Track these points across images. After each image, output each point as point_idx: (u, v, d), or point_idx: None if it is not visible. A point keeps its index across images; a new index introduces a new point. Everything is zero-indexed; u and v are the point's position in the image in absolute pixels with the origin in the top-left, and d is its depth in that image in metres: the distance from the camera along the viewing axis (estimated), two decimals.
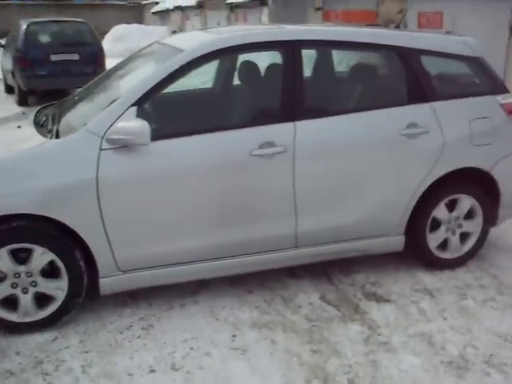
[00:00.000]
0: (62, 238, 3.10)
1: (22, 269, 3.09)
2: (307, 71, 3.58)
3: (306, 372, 2.90)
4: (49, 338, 3.17)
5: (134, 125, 3.02)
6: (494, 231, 4.32)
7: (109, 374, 2.88)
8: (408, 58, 3.66)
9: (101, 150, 3.08)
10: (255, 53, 3.73)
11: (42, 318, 3.19)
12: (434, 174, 3.65)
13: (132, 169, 3.13)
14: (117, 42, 18.41)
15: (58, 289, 3.17)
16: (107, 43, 18.09)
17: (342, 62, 4.14)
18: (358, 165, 3.52)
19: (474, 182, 3.87)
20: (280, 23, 3.98)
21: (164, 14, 24.57)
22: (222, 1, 15.97)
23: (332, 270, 3.92)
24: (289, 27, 3.66)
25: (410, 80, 3.69)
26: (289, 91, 3.41)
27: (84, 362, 2.97)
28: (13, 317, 3.15)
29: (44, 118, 3.68)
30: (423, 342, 3.14)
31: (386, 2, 9.01)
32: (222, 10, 16.41)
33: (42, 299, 3.18)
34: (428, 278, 3.84)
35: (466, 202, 3.84)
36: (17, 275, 3.09)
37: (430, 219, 3.79)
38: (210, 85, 4.50)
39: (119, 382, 2.82)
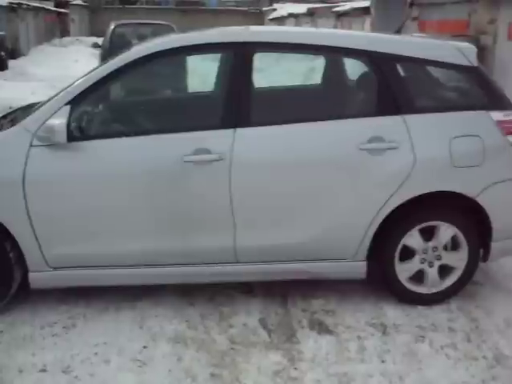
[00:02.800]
0: None
1: None
2: (261, 75, 3.35)
3: None
4: None
5: (53, 123, 3.01)
6: (500, 267, 3.77)
7: (2, 366, 2.88)
8: (380, 64, 3.28)
9: (31, 146, 3.11)
10: (204, 54, 3.57)
11: None
12: (400, 195, 3.24)
13: (59, 167, 3.13)
14: None
15: None
16: None
17: (305, 66, 3.83)
18: (308, 180, 3.22)
19: (457, 209, 3.38)
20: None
21: (280, 21, 24.87)
22: (330, 9, 15.79)
23: (293, 292, 3.63)
24: (250, 28, 3.45)
25: (380, 89, 3.31)
26: (232, 96, 3.22)
27: None
28: None
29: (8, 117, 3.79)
30: None
31: (478, 12, 8.25)
32: (331, 18, 16.20)
33: None
34: (393, 313, 3.42)
35: (445, 230, 3.37)
36: None
37: (398, 246, 3.37)
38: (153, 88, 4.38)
39: (6, 376, 2.82)
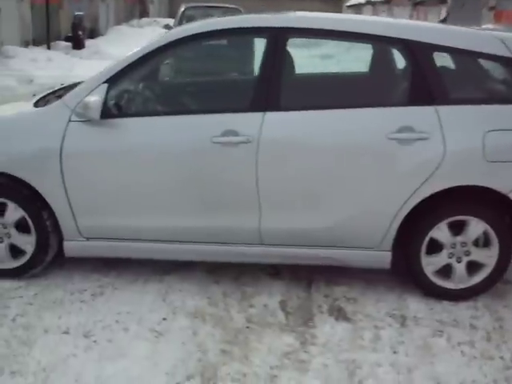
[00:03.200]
0: (32, 198, 3.36)
1: None
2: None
3: (195, 369, 2.78)
4: (14, 286, 3.47)
5: (89, 100, 3.15)
6: None
7: (30, 325, 3.08)
8: (416, 53, 3.21)
9: (69, 121, 3.27)
10: (239, 38, 3.60)
11: (12, 268, 3.51)
12: (428, 187, 3.17)
13: (93, 142, 3.28)
14: None
15: (28, 244, 3.46)
16: None
17: (338, 53, 3.77)
18: (334, 166, 3.21)
19: (489, 204, 3.28)
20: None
21: (357, 8, 24.39)
22: None
23: (318, 277, 3.65)
24: (286, 14, 3.45)
25: (414, 78, 3.24)
26: (263, 80, 3.24)
27: (21, 311, 3.21)
28: None
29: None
30: (343, 371, 2.80)
31: None
32: (407, 7, 15.78)
33: (14, 250, 3.50)
34: (415, 306, 3.38)
35: (475, 226, 3.28)
36: None
37: (425, 239, 3.31)
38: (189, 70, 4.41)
39: (32, 335, 3.00)
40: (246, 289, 3.53)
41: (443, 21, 8.42)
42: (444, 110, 3.15)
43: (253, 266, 3.65)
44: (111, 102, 3.27)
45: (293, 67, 3.34)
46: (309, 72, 3.59)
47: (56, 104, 3.36)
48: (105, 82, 3.25)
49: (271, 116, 3.19)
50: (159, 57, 3.36)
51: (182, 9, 11.56)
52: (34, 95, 3.92)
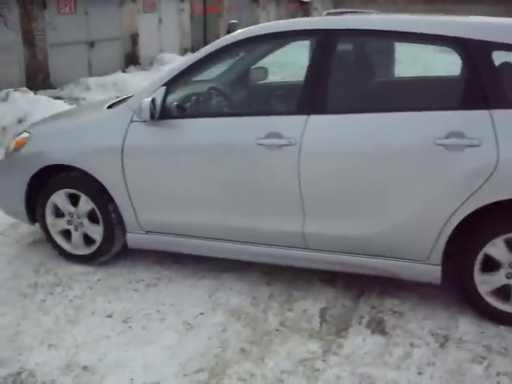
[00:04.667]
0: (100, 192, 3.68)
1: (72, 209, 3.80)
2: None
3: (208, 363, 2.85)
4: (84, 270, 3.82)
5: (142, 101, 3.37)
6: None
7: (82, 307, 3.38)
8: (471, 53, 2.95)
9: (131, 121, 3.53)
10: (288, 41, 3.56)
11: (86, 254, 3.86)
12: (479, 198, 2.90)
13: (148, 141, 3.50)
14: None
15: (97, 233, 3.78)
16: None
17: (387, 55, 3.54)
18: (378, 172, 3.07)
19: None
20: None
21: None
22: None
23: (373, 287, 3.51)
24: (335, 17, 3.36)
25: (468, 80, 2.98)
26: (309, 82, 3.21)
27: (80, 294, 3.52)
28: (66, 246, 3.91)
29: None
30: None
31: None
32: None
33: (87, 239, 3.85)
34: (466, 328, 3.10)
35: None
36: (71, 215, 3.82)
37: (479, 256, 3.03)
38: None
39: (79, 315, 3.29)
40: (293, 292, 3.51)
41: None
42: (499, 114, 2.86)
43: (309, 271, 3.59)
44: (169, 104, 3.46)
45: (341, 70, 3.24)
46: (356, 75, 3.44)
47: (122, 106, 3.65)
48: (163, 85, 3.45)
49: (315, 119, 3.15)
50: (213, 61, 3.47)
51: (324, 14, 11.61)
52: (117, 97, 4.27)
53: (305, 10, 28.41)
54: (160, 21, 15.82)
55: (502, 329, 3.07)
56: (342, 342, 3.01)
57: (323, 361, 2.86)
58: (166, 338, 3.06)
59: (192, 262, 3.84)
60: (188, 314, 3.29)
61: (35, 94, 8.62)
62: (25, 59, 10.51)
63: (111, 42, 13.63)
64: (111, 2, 13.39)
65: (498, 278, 3.04)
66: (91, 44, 12.72)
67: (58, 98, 9.69)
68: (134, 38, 14.67)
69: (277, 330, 3.14)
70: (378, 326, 3.14)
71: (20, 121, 7.35)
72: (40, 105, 7.70)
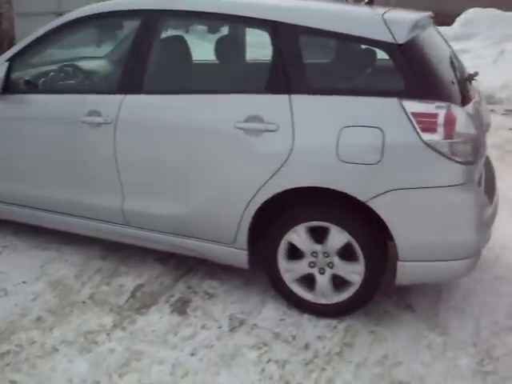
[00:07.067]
0: None
1: None
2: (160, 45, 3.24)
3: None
4: None
5: None
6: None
7: None
8: (279, 36, 2.90)
9: None
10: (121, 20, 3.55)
11: None
12: (275, 184, 2.88)
13: None
14: (465, 26, 17.07)
15: None
16: (456, 27, 17.11)
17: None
18: (184, 154, 3.07)
19: (352, 212, 2.87)
20: None
21: None
22: None
23: (200, 268, 3.51)
24: None
25: (273, 64, 2.92)
26: (127, 63, 3.22)
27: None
28: None
29: None
30: (119, 360, 2.71)
31: None
32: None
33: None
34: (267, 313, 3.11)
35: (337, 235, 2.90)
36: None
37: (281, 243, 3.02)
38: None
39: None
40: (121, 268, 3.54)
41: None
42: (298, 99, 2.82)
43: (145, 250, 3.55)
44: (15, 79, 3.50)
45: (158, 52, 3.22)
46: (172, 57, 3.42)
47: None
48: (7, 60, 3.48)
49: (130, 98, 3.16)
50: (50, 39, 3.49)
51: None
52: None
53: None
54: None
55: (305, 318, 3.06)
56: (137, 318, 3.04)
57: (107, 335, 2.89)
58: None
59: (44, 233, 3.86)
60: (10, 282, 3.34)
61: None
62: None
63: None
64: None
65: (301, 267, 3.03)
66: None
67: None
68: None
69: (83, 302, 3.17)
70: (181, 306, 3.15)
71: None
72: None
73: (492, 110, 8.47)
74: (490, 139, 6.48)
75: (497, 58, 9.58)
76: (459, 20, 17.14)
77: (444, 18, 18.32)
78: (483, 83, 9.19)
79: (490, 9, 16.92)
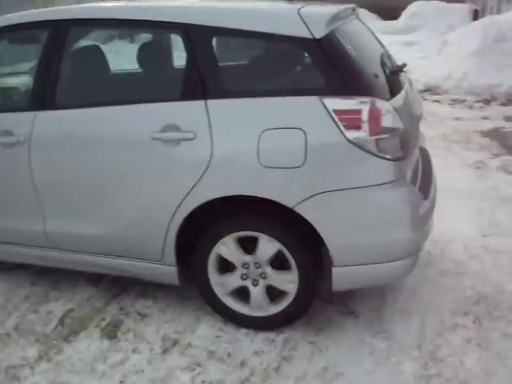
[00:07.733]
0: None
1: None
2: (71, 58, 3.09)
3: None
4: None
5: None
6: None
7: None
8: (192, 39, 2.74)
9: None
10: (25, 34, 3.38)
11: None
12: (197, 195, 2.72)
13: None
14: (411, 19, 17.31)
15: None
16: (403, 20, 17.34)
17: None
18: (103, 170, 2.89)
19: (281, 219, 2.74)
20: None
21: None
22: None
23: (134, 287, 3.35)
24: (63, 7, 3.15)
25: (188, 69, 2.77)
26: (36, 78, 3.03)
27: None
28: None
29: None
30: None
31: None
32: None
33: None
34: (202, 331, 2.96)
35: (267, 244, 2.77)
36: None
37: (211, 256, 2.87)
38: None
39: None
40: (51, 293, 3.35)
41: None
42: (214, 104, 2.68)
43: (77, 272, 3.38)
44: None
45: (69, 65, 3.05)
46: (87, 68, 3.24)
47: None
48: None
49: (43, 115, 2.98)
50: None
51: None
52: None
53: None
54: None
55: (243, 332, 2.93)
56: (64, 346, 2.87)
57: (31, 368, 2.72)
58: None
59: None
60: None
61: None
62: None
63: None
64: None
65: (234, 280, 2.90)
66: None
67: None
68: None
69: (7, 334, 2.98)
70: (112, 330, 2.99)
71: None
72: None
73: (437, 101, 8.61)
74: (437, 130, 6.71)
75: (441, 48, 9.64)
76: (405, 13, 17.39)
77: (391, 12, 18.63)
78: (428, 74, 9.35)
79: (434, 1, 17.20)
